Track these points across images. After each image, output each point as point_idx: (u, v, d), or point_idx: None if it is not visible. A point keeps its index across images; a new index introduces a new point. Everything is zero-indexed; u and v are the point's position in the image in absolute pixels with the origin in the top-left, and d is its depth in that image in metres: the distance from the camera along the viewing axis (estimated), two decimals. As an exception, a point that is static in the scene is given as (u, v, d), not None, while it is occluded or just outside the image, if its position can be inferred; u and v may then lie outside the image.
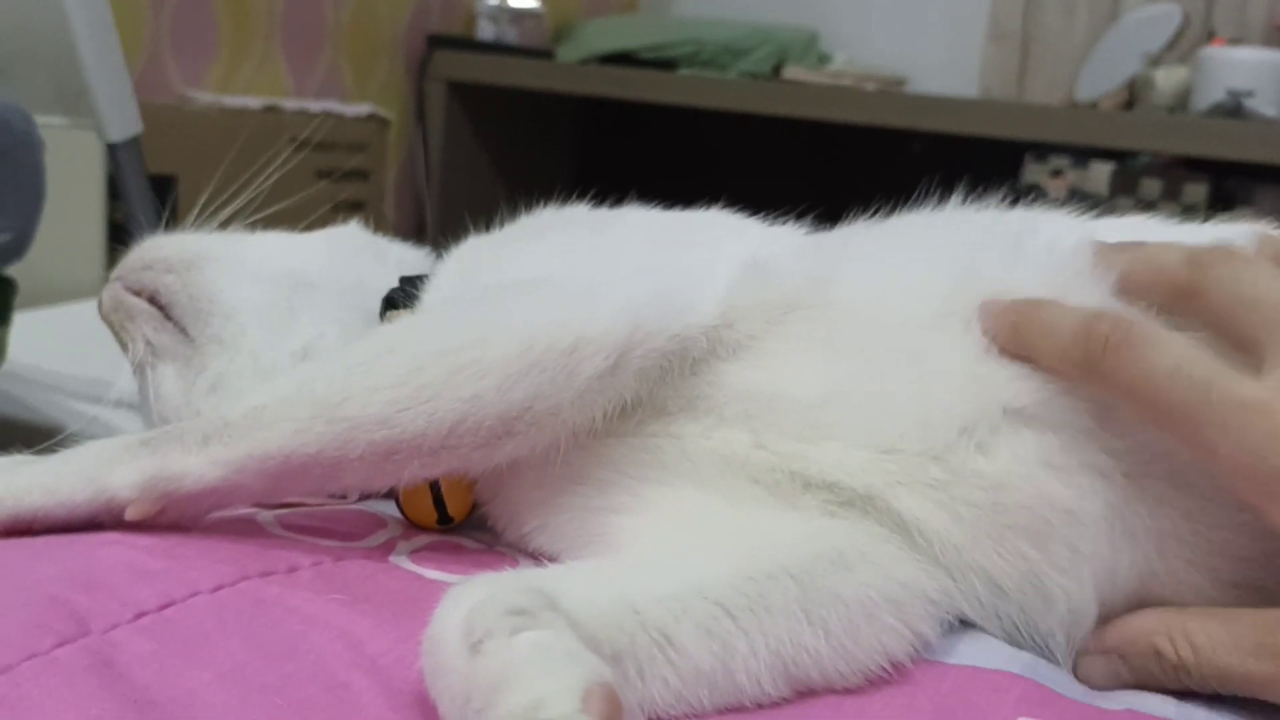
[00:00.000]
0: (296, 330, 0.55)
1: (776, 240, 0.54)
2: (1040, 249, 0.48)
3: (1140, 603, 0.44)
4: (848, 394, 0.46)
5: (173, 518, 0.45)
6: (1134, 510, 0.43)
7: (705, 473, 0.46)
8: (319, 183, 2.11)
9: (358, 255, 0.60)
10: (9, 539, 0.44)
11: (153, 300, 0.58)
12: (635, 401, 0.47)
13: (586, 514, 0.47)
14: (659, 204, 0.59)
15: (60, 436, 0.49)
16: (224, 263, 0.57)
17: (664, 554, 0.44)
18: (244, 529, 0.48)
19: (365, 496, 0.54)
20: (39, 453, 0.47)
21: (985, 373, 0.45)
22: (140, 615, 0.39)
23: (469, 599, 0.36)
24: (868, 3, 2.79)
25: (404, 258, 0.62)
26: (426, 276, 0.57)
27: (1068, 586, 0.43)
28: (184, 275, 0.57)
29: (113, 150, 1.08)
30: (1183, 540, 0.43)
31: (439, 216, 2.39)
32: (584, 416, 0.46)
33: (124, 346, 0.59)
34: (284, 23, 2.16)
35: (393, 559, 0.47)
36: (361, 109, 2.14)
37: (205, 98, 1.96)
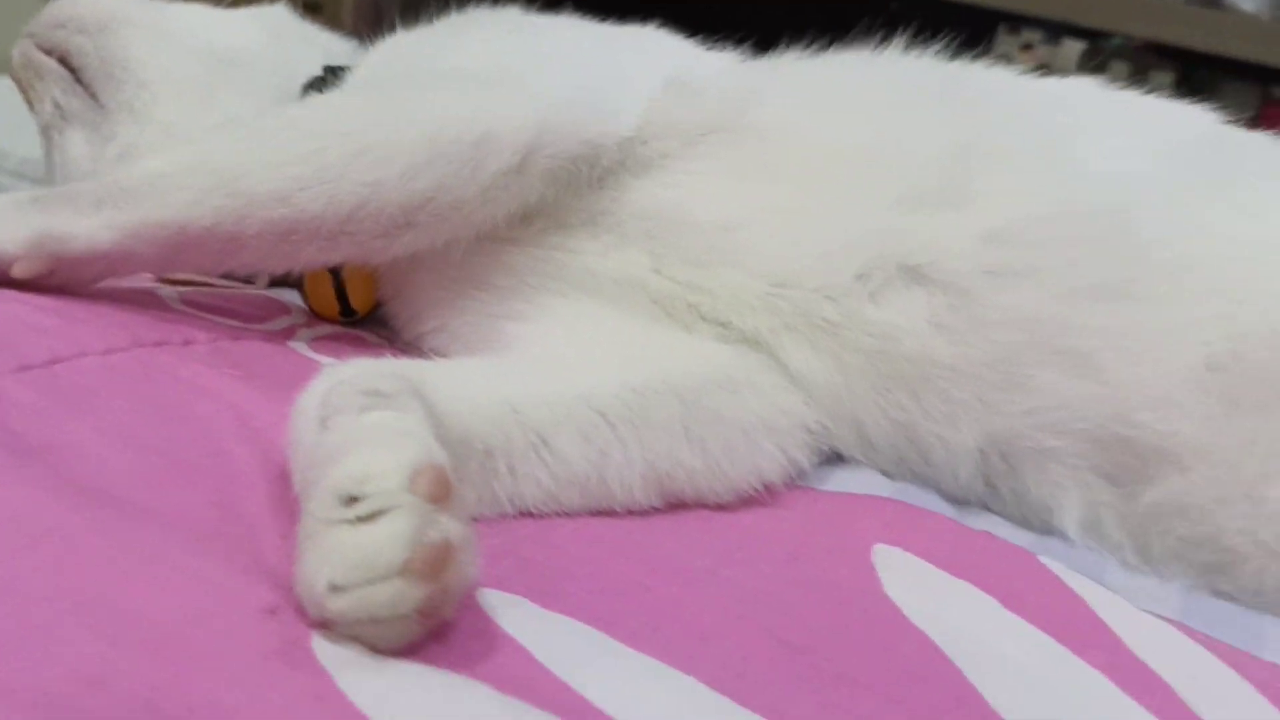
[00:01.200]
0: (213, 107, 0.54)
1: (707, 63, 0.53)
2: (965, 102, 0.48)
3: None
4: (753, 221, 0.46)
5: (61, 280, 0.44)
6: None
7: (604, 289, 0.47)
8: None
9: (283, 38, 0.58)
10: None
11: (64, 61, 0.56)
12: (539, 208, 0.47)
13: (484, 319, 0.48)
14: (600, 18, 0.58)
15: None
16: (143, 29, 0.55)
17: (552, 361, 0.45)
18: (144, 299, 0.48)
19: (272, 283, 0.54)
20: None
21: (892, 225, 0.45)
22: (24, 368, 0.39)
23: (335, 377, 0.36)
24: None
25: (330, 47, 0.60)
26: (349, 68, 0.56)
27: (943, 435, 0.45)
28: (97, 37, 0.55)
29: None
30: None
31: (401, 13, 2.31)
32: (487, 214, 0.45)
33: (31, 106, 0.57)
34: None
35: (291, 344, 0.48)
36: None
37: None
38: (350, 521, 0.28)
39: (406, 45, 0.54)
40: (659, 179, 0.47)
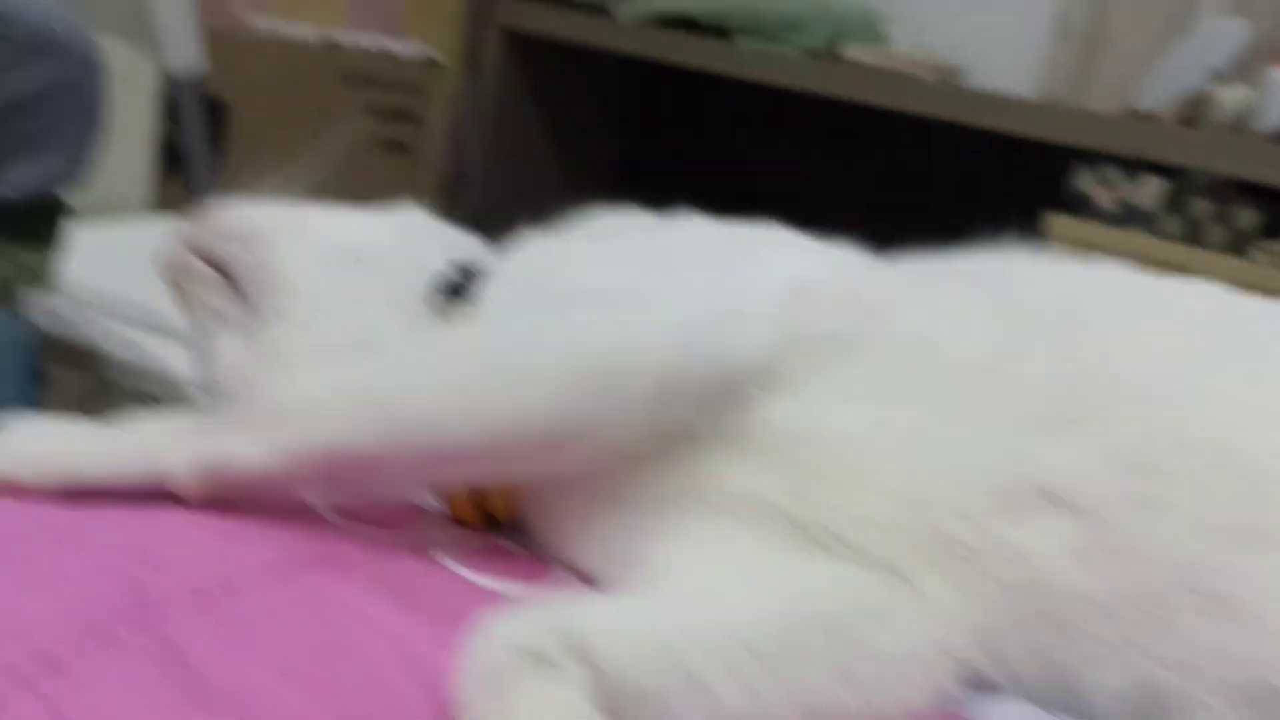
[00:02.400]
0: (357, 313, 0.56)
1: (832, 265, 0.53)
2: (1090, 324, 0.48)
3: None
4: (884, 437, 0.46)
5: (222, 497, 0.46)
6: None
7: (741, 510, 0.47)
8: (367, 120, 2.12)
9: (418, 239, 0.60)
10: (68, 501, 0.45)
11: (218, 268, 0.58)
12: (678, 428, 0.47)
13: (624, 535, 0.48)
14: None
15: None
16: (291, 237, 0.58)
17: (698, 590, 0.45)
18: (294, 509, 0.49)
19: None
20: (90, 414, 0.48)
21: (1027, 446, 0.44)
22: (195, 592, 0.40)
23: (503, 632, 0.37)
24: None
25: (457, 243, 0.61)
26: (482, 270, 0.57)
27: (1091, 674, 0.43)
28: (252, 247, 0.57)
29: (171, 79, 1.08)
30: None
31: (484, 166, 2.39)
32: (628, 437, 0.46)
33: (184, 307, 0.59)
34: (347, -46, 2.15)
35: (436, 554, 0.48)
36: (416, 50, 2.13)
37: (264, 24, 1.96)
38: None
39: (539, 260, 0.55)
40: (790, 395, 0.47)
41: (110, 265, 1.33)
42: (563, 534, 0.50)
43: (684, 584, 0.45)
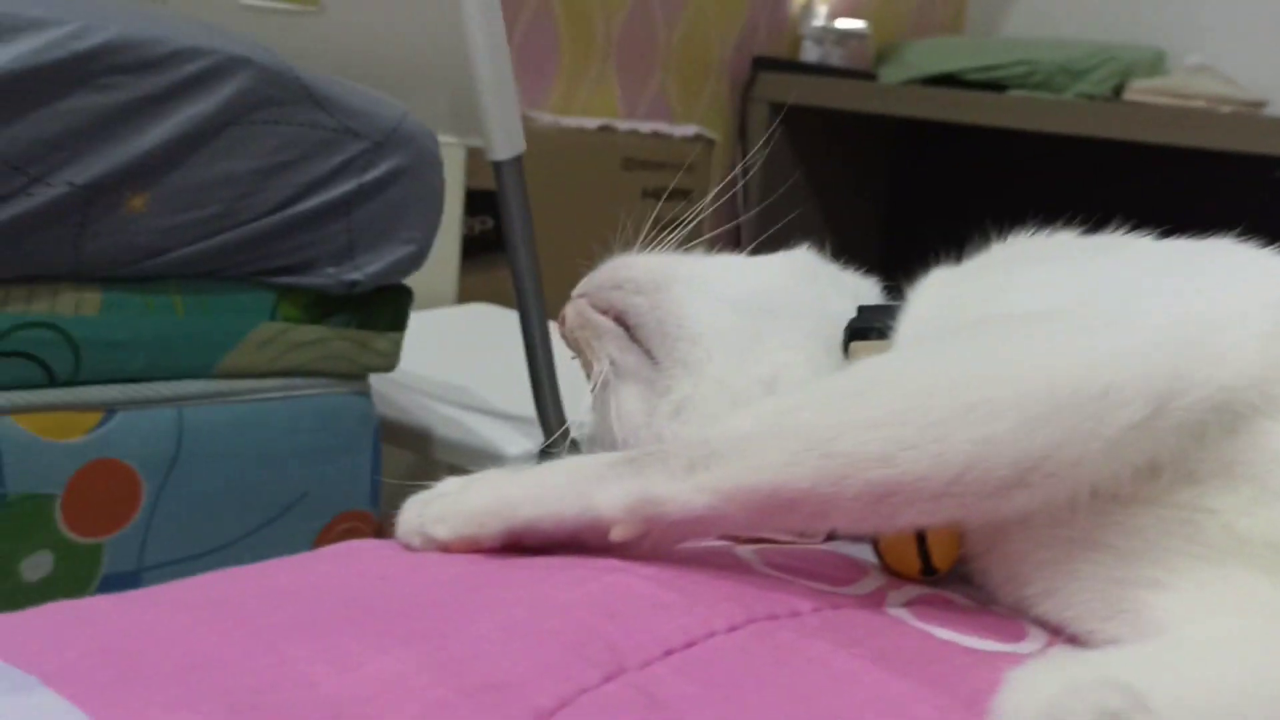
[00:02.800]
0: (763, 357, 0.54)
1: None
2: None
3: None
4: None
5: (652, 543, 0.45)
6: None
7: (1251, 551, 0.41)
8: (645, 201, 2.16)
9: (815, 281, 0.58)
10: (513, 558, 0.44)
11: (619, 320, 0.58)
12: (1164, 462, 0.42)
13: (1107, 585, 0.43)
14: (982, 232, 0.55)
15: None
16: (690, 285, 0.56)
17: (1216, 646, 0.39)
18: (730, 564, 0.46)
19: (831, 536, 0.51)
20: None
21: None
22: (669, 652, 0.38)
23: (1043, 688, 0.32)
24: (1224, 18, 2.57)
25: (858, 286, 0.59)
26: (891, 307, 0.54)
27: None
28: (652, 296, 0.56)
29: (497, 168, 1.13)
30: None
31: (755, 236, 2.39)
32: (1108, 472, 0.41)
33: (585, 363, 0.59)
34: (619, 45, 2.22)
35: (890, 610, 0.44)
36: (688, 130, 2.16)
37: (545, 118, 2.04)
38: None
39: (963, 286, 0.52)
40: None
41: (427, 350, 1.40)
42: (1024, 582, 0.45)
43: (1195, 639, 0.39)
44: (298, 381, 0.98)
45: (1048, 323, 0.44)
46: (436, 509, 0.45)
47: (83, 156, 0.81)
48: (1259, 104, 2.43)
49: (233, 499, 0.95)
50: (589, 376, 0.58)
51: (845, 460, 0.41)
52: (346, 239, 0.96)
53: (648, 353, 0.56)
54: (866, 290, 0.59)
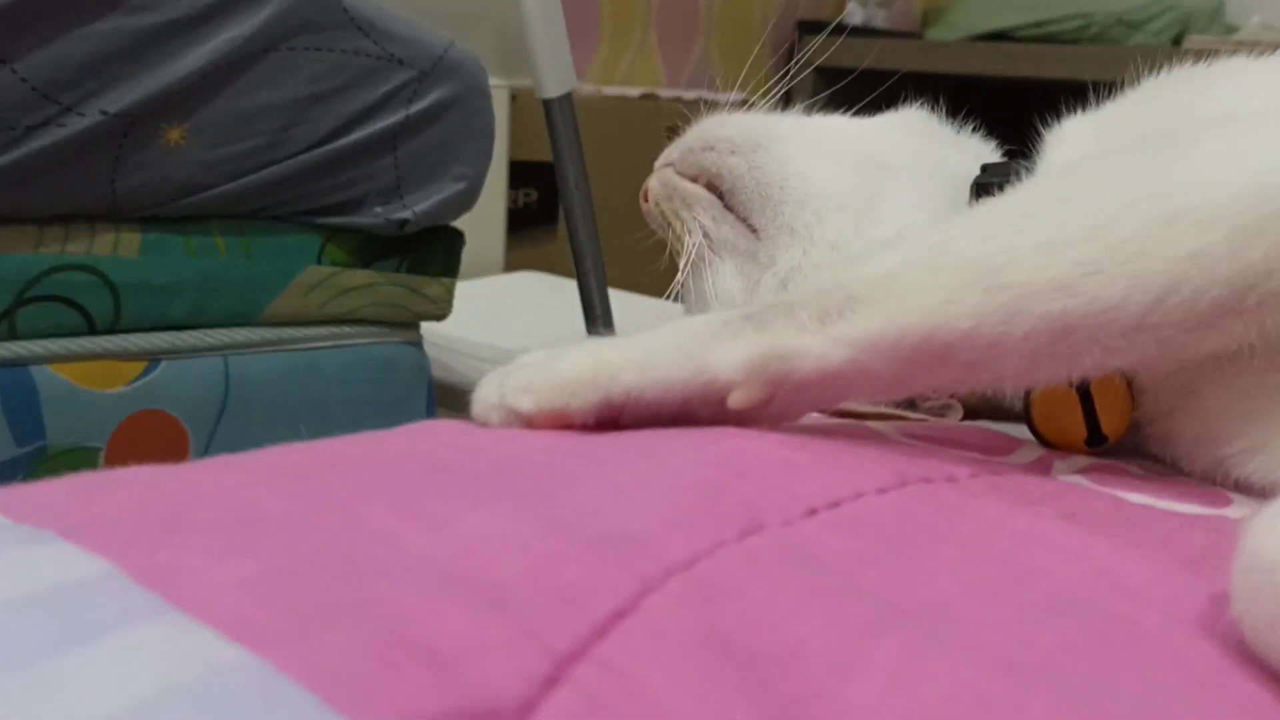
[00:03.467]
0: (881, 218, 0.47)
1: None
2: None
3: None
4: None
5: (778, 409, 0.38)
6: None
7: None
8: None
9: (935, 138, 0.52)
10: (616, 432, 0.38)
11: (711, 186, 0.52)
12: None
13: None
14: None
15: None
16: (793, 143, 0.50)
17: None
18: (866, 435, 0.40)
19: (976, 413, 0.45)
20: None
21: None
22: (813, 511, 0.31)
23: None
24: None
25: (979, 149, 0.52)
26: (1019, 165, 0.47)
27: None
28: (750, 157, 0.50)
29: (548, 107, 1.07)
30: None
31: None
32: None
33: (675, 239, 0.53)
34: (660, 12, 2.16)
35: (1061, 478, 0.38)
36: (732, 97, 2.10)
37: (588, 88, 1.98)
38: None
39: (1124, 111, 0.45)
40: None
41: (478, 315, 1.34)
42: (1222, 440, 0.38)
43: None
44: (348, 329, 0.93)
45: (1262, 122, 0.37)
46: (519, 379, 0.38)
47: (116, 83, 0.76)
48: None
49: (284, 453, 0.89)
50: (678, 255, 0.52)
51: (1015, 292, 0.34)
52: (394, 175, 0.90)
53: (746, 221, 0.50)
54: (989, 153, 0.52)
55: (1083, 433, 0.41)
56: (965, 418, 0.46)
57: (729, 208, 0.51)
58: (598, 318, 1.09)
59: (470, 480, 0.31)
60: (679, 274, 0.52)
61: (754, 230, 0.50)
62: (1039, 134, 0.49)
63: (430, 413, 1.00)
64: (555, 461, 0.34)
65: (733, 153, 0.51)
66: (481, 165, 0.95)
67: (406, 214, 0.91)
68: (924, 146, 0.51)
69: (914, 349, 0.35)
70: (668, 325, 0.39)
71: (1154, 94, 0.45)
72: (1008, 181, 0.47)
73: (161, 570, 0.24)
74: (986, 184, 0.48)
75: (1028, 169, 0.47)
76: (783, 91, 2.45)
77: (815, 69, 2.77)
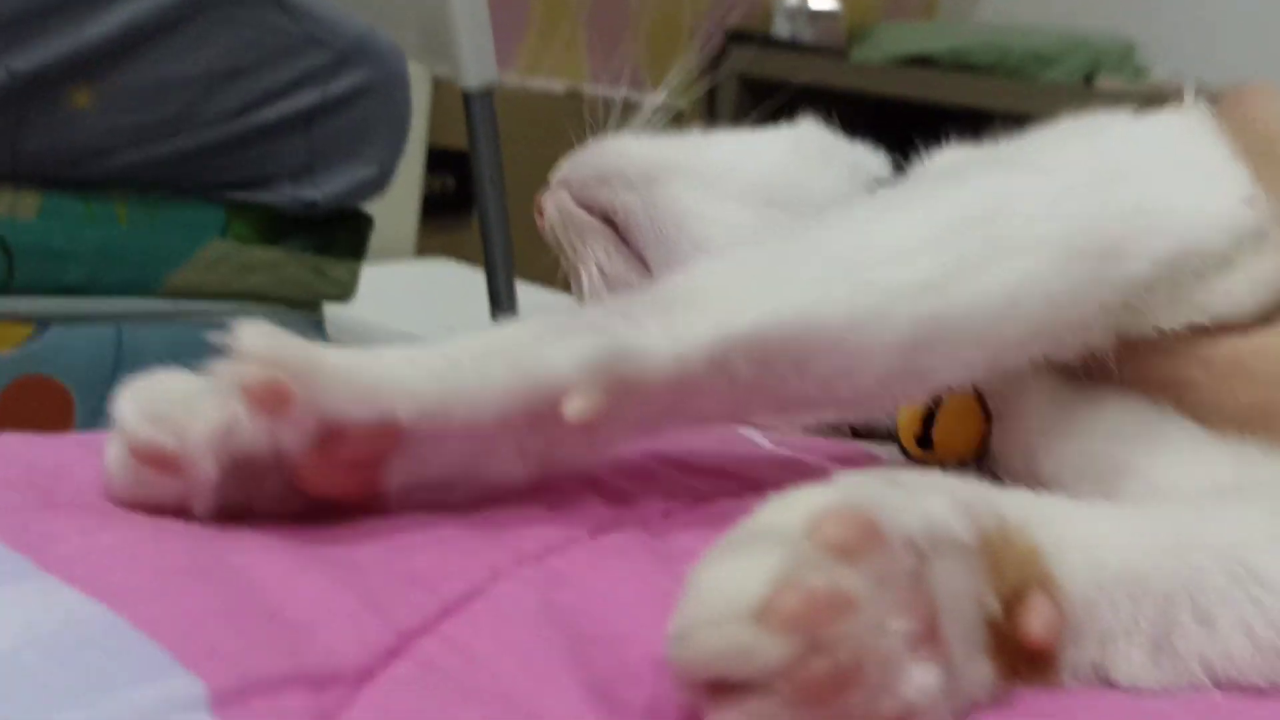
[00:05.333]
0: None
1: None
2: None
3: None
4: None
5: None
6: None
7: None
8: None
9: (827, 163, 0.52)
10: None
11: (606, 219, 0.50)
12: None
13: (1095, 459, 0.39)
14: None
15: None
16: (690, 177, 0.49)
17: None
18: (734, 440, 0.42)
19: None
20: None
21: None
22: (669, 513, 0.33)
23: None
24: (1195, 14, 2.58)
25: (870, 164, 0.53)
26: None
27: None
28: (646, 194, 0.48)
29: (467, 98, 1.08)
30: None
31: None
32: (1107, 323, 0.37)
33: (567, 264, 0.52)
34: (592, 9, 2.18)
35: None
36: (657, 98, 2.12)
37: (512, 78, 1.99)
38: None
39: (968, 154, 0.47)
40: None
41: (385, 301, 1.34)
42: (1035, 461, 0.40)
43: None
44: (249, 306, 0.92)
45: (1077, 170, 0.39)
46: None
47: (23, 40, 0.75)
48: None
49: (175, 425, 0.89)
50: (572, 281, 0.52)
51: (883, 291, 0.33)
52: (306, 155, 0.90)
53: (641, 256, 0.49)
54: (878, 166, 0.53)
55: (917, 443, 0.42)
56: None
57: (625, 240, 0.50)
58: (504, 311, 1.10)
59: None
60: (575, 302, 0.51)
61: (648, 267, 0.49)
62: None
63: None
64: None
65: (629, 188, 0.49)
66: (395, 152, 0.95)
67: (315, 195, 0.91)
68: (816, 173, 0.51)
69: (773, 350, 0.32)
70: (494, 330, 0.33)
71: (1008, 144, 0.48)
72: None
73: (34, 539, 0.25)
74: None
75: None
76: (707, 99, 2.47)
77: (741, 79, 2.83)
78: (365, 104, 0.92)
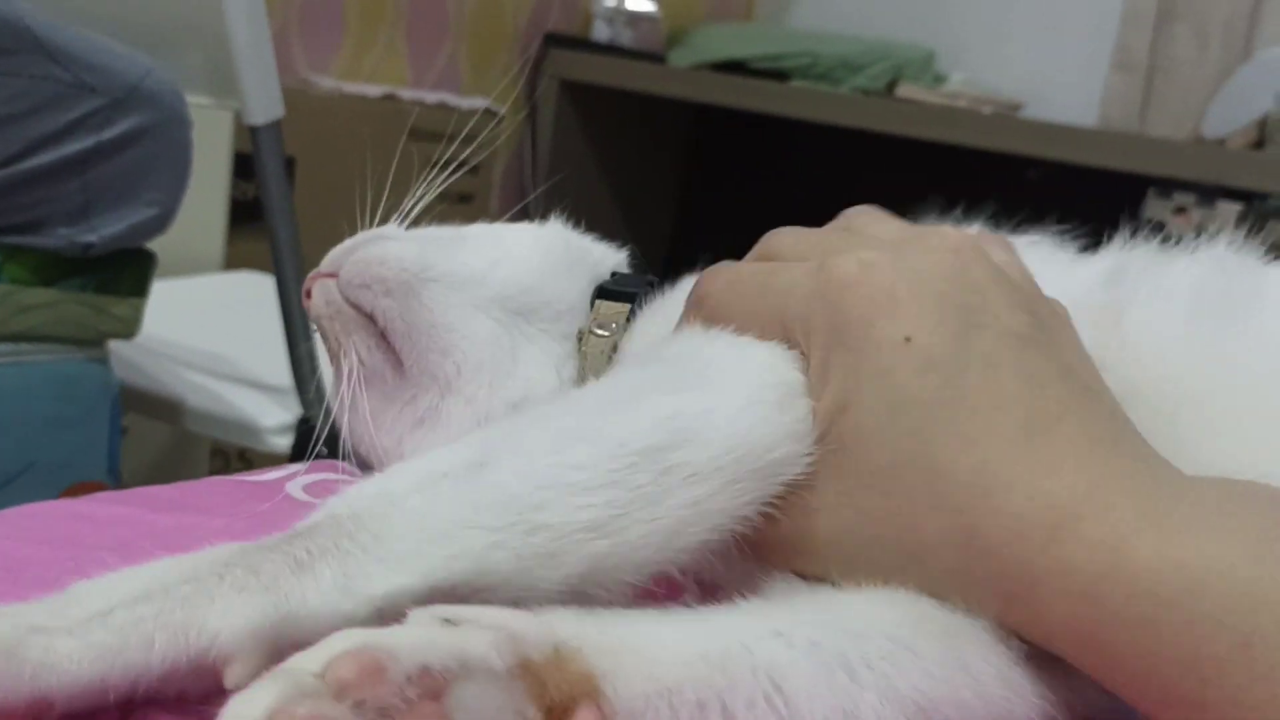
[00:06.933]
0: (514, 372, 0.50)
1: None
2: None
3: None
4: None
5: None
6: None
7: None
8: (429, 172, 2.14)
9: (571, 267, 0.54)
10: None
11: (370, 317, 0.52)
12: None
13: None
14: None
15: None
16: (447, 285, 0.51)
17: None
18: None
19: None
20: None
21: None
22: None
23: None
24: (987, 24, 2.74)
25: (615, 262, 0.56)
26: (647, 278, 0.53)
27: None
28: (403, 302, 0.50)
29: (254, 133, 1.10)
30: None
31: (543, 213, 2.40)
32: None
33: (330, 350, 0.54)
34: (409, 13, 2.19)
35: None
36: (476, 102, 2.15)
37: (328, 83, 1.99)
38: None
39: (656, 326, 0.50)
40: None
41: (186, 318, 1.35)
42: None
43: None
44: (26, 346, 0.93)
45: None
46: None
47: None
48: (1016, 106, 2.60)
49: (-49, 467, 0.90)
50: (333, 366, 0.53)
51: (553, 534, 0.35)
52: (82, 199, 0.92)
53: (396, 354, 0.51)
54: (620, 263, 0.57)
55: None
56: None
57: (386, 338, 0.52)
58: (298, 336, 1.13)
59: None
60: (339, 390, 0.53)
61: (403, 365, 0.51)
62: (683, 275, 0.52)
63: (114, 428, 1.01)
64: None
65: (387, 294, 0.51)
66: (176, 192, 0.97)
67: (92, 237, 0.93)
68: (559, 278, 0.53)
69: (451, 590, 0.33)
70: (154, 566, 0.33)
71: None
72: (634, 292, 0.52)
73: None
74: (612, 291, 0.52)
75: (652, 284, 0.52)
76: (528, 103, 2.50)
77: (561, 82, 2.88)
78: (142, 147, 0.94)
